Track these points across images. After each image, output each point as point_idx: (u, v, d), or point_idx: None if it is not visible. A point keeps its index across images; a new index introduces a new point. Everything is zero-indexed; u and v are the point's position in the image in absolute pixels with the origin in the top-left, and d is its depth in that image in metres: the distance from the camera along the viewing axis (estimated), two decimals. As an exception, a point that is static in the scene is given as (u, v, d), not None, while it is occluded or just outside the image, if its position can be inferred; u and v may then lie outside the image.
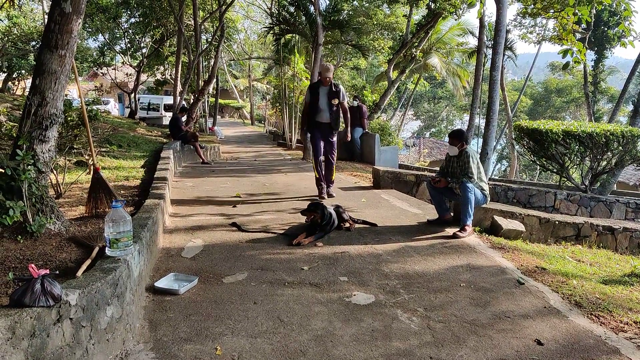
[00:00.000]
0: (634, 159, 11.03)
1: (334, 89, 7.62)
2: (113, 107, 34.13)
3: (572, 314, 3.89)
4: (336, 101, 7.62)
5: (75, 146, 6.75)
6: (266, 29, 22.45)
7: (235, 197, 8.11)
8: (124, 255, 3.50)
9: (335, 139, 7.93)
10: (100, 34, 26.56)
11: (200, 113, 24.91)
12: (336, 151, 8.12)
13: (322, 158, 8.04)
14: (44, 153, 4.40)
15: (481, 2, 8.85)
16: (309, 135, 8.25)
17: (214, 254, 5.10)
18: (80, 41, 23.57)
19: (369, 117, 19.08)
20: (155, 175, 7.82)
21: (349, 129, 8.20)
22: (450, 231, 6.08)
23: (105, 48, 26.36)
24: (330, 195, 7.93)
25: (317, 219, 5.75)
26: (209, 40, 24.60)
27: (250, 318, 3.69)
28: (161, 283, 4.21)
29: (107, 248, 3.50)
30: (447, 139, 6.75)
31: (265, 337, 3.42)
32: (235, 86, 48.11)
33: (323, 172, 8.03)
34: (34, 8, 27.22)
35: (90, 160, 6.63)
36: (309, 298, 4.08)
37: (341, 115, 7.90)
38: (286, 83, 22.25)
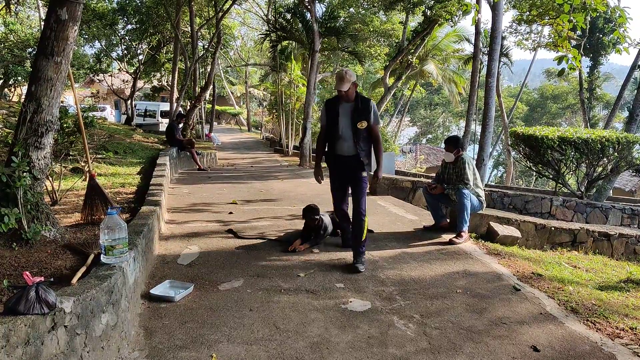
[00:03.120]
0: (629, 165, 11.07)
1: (359, 105, 5.03)
2: (109, 113, 34.08)
3: (568, 320, 3.89)
4: (364, 124, 4.98)
5: (71, 153, 6.74)
6: (263, 35, 22.53)
7: (231, 203, 8.11)
8: (119, 262, 3.49)
9: (365, 180, 5.16)
10: (97, 41, 26.55)
11: (197, 120, 24.90)
12: (365, 198, 5.19)
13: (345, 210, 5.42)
14: (39, 160, 4.39)
15: (476, 9, 8.88)
16: (323, 171, 5.60)
17: (209, 260, 5.09)
18: (76, 48, 23.59)
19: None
20: (151, 182, 7.81)
21: (381, 167, 5.29)
22: (446, 237, 6.08)
23: (102, 55, 26.35)
24: (357, 271, 4.92)
25: (311, 223, 5.72)
26: (206, 47, 24.63)
27: (246, 325, 3.68)
28: (157, 290, 4.20)
29: (102, 255, 3.49)
30: (443, 145, 6.64)
31: (261, 344, 3.41)
32: (232, 93, 48.14)
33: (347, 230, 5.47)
34: (31, 15, 27.27)
35: (86, 167, 6.63)
36: (305, 305, 4.07)
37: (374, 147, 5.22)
38: (283, 90, 22.29)
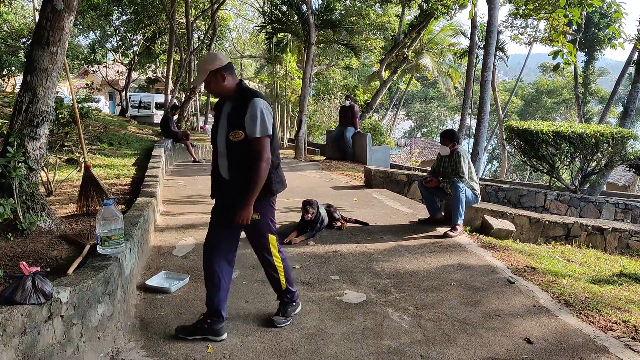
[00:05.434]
0: (623, 160, 11.11)
1: (237, 105, 3.31)
2: (104, 105, 33.89)
3: (561, 313, 3.93)
4: (238, 135, 3.27)
5: (66, 144, 6.72)
6: (258, 27, 22.42)
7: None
8: (115, 253, 3.50)
9: (262, 225, 3.45)
10: (92, 32, 26.41)
11: (192, 111, 24.81)
12: (269, 247, 3.54)
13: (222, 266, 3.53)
14: (34, 150, 4.38)
15: (473, 2, 8.89)
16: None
17: (205, 252, 5.09)
18: (71, 38, 23.42)
19: (361, 117, 19.10)
20: (146, 174, 7.79)
21: (247, 204, 3.26)
22: (441, 230, 6.11)
23: (97, 45, 26.21)
24: (272, 324, 3.59)
25: (307, 215, 5.72)
26: (201, 38, 24.52)
27: (241, 316, 3.69)
28: (152, 281, 4.21)
29: (98, 246, 3.49)
30: (438, 139, 6.58)
31: (256, 335, 3.43)
32: (227, 85, 47.91)
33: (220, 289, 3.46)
34: (24, 5, 27.08)
35: (81, 158, 6.61)
36: (300, 296, 4.08)
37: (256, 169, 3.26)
38: (278, 82, 22.25)
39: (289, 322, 3.61)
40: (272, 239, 3.53)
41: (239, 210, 3.27)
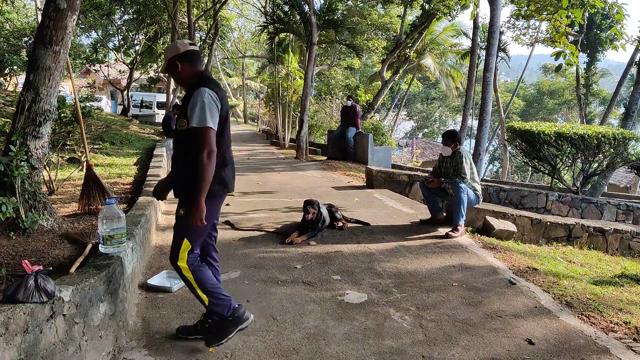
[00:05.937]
0: (624, 161, 11.10)
1: (190, 92, 3.15)
2: (106, 104, 33.90)
3: (562, 314, 3.92)
4: (183, 123, 3.15)
5: (68, 143, 6.72)
6: (260, 27, 22.43)
7: (228, 195, 8.10)
8: (117, 252, 3.50)
9: (182, 220, 3.20)
10: (94, 31, 26.40)
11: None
12: (180, 247, 3.21)
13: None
14: (37, 149, 4.39)
15: (475, 3, 8.90)
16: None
17: (207, 252, 5.09)
18: (73, 37, 23.43)
19: (362, 117, 19.09)
20: (148, 173, 7.80)
21: (199, 204, 3.02)
22: (442, 231, 6.11)
23: (99, 45, 26.22)
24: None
25: (309, 216, 5.73)
26: (203, 38, 24.52)
27: (243, 316, 3.69)
28: (154, 280, 4.21)
29: (100, 245, 3.49)
30: (440, 139, 6.58)
31: (258, 335, 3.43)
32: (228, 84, 47.98)
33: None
34: (27, 4, 27.09)
35: (83, 157, 6.61)
36: (302, 296, 4.09)
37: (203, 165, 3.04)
38: (280, 82, 22.20)
39: (224, 342, 3.27)
40: (186, 245, 3.18)
41: (192, 211, 3.03)
